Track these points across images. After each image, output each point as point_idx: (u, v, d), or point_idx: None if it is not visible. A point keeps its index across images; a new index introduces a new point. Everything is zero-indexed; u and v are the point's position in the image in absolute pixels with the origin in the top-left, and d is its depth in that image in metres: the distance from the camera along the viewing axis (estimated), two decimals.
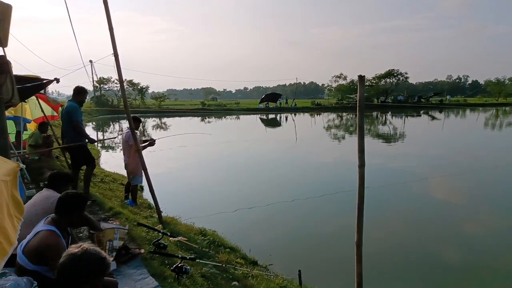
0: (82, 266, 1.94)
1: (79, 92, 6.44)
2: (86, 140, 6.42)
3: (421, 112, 51.48)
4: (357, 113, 2.77)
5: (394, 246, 6.96)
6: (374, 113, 49.33)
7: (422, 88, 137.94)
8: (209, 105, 65.64)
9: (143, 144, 6.85)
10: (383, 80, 70.07)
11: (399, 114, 48.67)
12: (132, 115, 6.93)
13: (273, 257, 5.93)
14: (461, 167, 14.03)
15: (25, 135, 9.82)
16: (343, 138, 24.58)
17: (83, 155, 6.45)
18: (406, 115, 46.80)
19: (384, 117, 45.09)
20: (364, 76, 2.69)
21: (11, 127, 9.34)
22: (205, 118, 45.55)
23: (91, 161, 6.59)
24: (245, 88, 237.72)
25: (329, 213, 8.72)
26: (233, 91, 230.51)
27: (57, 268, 1.93)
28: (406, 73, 69.93)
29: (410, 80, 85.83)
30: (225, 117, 48.29)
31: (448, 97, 77.79)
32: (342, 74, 71.01)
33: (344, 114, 50.04)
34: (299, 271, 4.99)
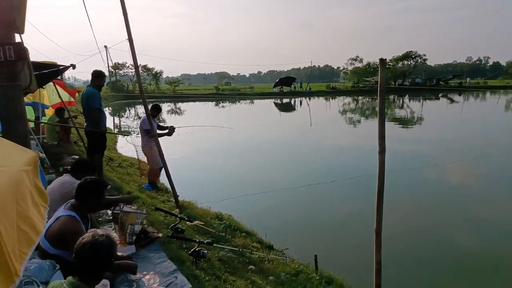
0: (104, 253, 1.98)
1: (97, 76, 6.36)
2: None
3: (440, 95, 50.28)
4: (378, 98, 2.69)
5: (411, 231, 6.89)
6: (391, 96, 48.38)
7: (441, 70, 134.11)
8: (223, 89, 65.47)
9: (161, 132, 6.83)
10: (401, 63, 68.38)
11: (416, 97, 47.68)
12: (153, 103, 6.99)
13: (288, 242, 5.95)
14: (480, 152, 13.71)
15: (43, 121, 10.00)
16: (359, 122, 24.27)
17: (99, 142, 6.50)
18: (424, 98, 45.80)
19: (401, 101, 44.27)
20: (385, 59, 2.59)
21: (29, 113, 9.51)
22: (219, 103, 45.52)
23: (103, 149, 6.64)
24: (259, 72, 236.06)
25: (345, 198, 8.68)
26: (247, 75, 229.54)
27: (77, 254, 1.97)
28: (424, 55, 68.07)
29: (429, 62, 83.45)
30: (239, 102, 48.17)
31: (467, 79, 75.54)
32: (358, 57, 69.78)
33: (360, 97, 49.28)
34: (315, 256, 5.00)
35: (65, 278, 2.81)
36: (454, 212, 7.81)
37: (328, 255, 5.61)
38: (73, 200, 3.19)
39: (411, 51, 67.11)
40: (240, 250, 4.82)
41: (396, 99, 46.57)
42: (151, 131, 6.00)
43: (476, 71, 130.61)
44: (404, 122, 23.17)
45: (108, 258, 2.03)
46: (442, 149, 14.22)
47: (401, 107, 36.31)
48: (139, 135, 7.59)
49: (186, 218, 4.83)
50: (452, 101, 42.82)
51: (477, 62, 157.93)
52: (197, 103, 46.85)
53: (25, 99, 5.74)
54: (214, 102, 46.28)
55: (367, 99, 46.64)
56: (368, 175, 9.20)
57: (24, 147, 1.65)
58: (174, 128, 6.89)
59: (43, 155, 7.17)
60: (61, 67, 7.01)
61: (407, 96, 50.69)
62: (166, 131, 6.84)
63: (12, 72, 3.58)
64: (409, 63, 68.58)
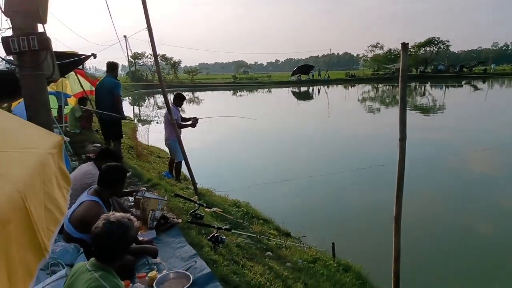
0: (117, 240, 2.00)
1: (115, 67, 6.57)
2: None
3: (463, 82, 48.79)
4: (399, 84, 2.64)
5: (430, 220, 6.80)
6: (413, 84, 47.20)
7: (464, 57, 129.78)
8: (241, 78, 65.34)
9: (184, 123, 6.83)
10: (423, 49, 66.46)
11: (439, 85, 46.39)
12: (172, 92, 7.07)
13: (306, 230, 5.98)
14: (504, 140, 13.28)
15: (66, 110, 10.24)
16: (378, 110, 23.86)
17: (117, 129, 6.69)
18: (446, 86, 44.53)
19: (423, 88, 43.20)
20: (407, 43, 2.53)
21: (53, 102, 9.72)
22: (237, 92, 45.51)
23: (120, 137, 6.89)
24: (277, 61, 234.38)
25: (363, 187, 8.61)
26: (265, 64, 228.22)
27: (92, 240, 2.01)
28: (447, 41, 65.84)
29: (452, 49, 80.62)
30: (256, 91, 48.02)
31: (492, 65, 72.69)
32: (378, 44, 68.19)
33: (380, 85, 48.32)
34: (333, 243, 5.01)
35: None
36: (476, 202, 7.65)
37: (345, 243, 5.61)
38: (96, 185, 3.29)
39: (434, 37, 65.07)
40: (258, 236, 4.87)
41: (417, 86, 45.47)
42: (170, 119, 6.06)
43: (502, 57, 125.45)
44: (426, 110, 22.65)
45: (122, 244, 2.03)
46: (464, 138, 13.87)
47: (423, 95, 35.45)
48: (157, 124, 7.72)
49: (204, 205, 4.90)
50: (475, 88, 41.48)
51: (504, 48, 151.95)
52: (214, 92, 46.97)
53: (49, 88, 5.89)
54: (232, 91, 46.29)
55: (388, 86, 45.72)
56: (387, 164, 9.09)
57: (49, 131, 1.71)
58: (197, 119, 6.86)
59: (67, 139, 7.34)
60: (82, 57, 7.14)
61: (429, 83, 49.41)
62: (190, 122, 6.81)
63: (35, 61, 3.66)
64: (432, 49, 66.58)
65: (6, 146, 1.11)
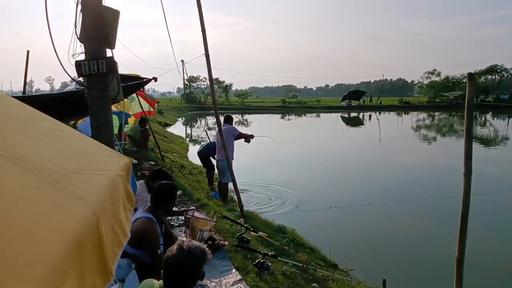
0: (187, 269, 1.98)
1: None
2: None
3: None
4: (465, 115, 2.50)
5: (493, 262, 6.22)
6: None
7: None
8: (290, 102, 65.66)
9: (245, 133, 7.47)
10: (483, 77, 62.86)
11: (501, 115, 43.34)
12: (225, 114, 7.70)
13: (355, 262, 5.71)
14: None
15: (126, 128, 10.86)
16: (434, 139, 22.68)
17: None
18: (510, 116, 41.49)
19: (483, 118, 40.57)
20: (474, 74, 2.41)
21: (114, 121, 10.35)
22: (285, 116, 45.67)
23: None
24: (326, 86, 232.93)
25: (419, 220, 8.10)
26: (314, 89, 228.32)
27: (163, 268, 2.01)
28: (511, 69, 61.90)
29: None
30: (305, 115, 47.88)
31: None
32: (435, 70, 65.49)
33: (437, 113, 46.14)
34: (384, 280, 4.72)
35: (139, 277, 3.01)
36: None
37: (398, 280, 5.27)
38: (150, 203, 3.40)
39: (496, 65, 61.46)
40: (304, 266, 4.73)
41: (478, 116, 42.79)
42: (222, 141, 6.22)
43: None
44: (486, 142, 21.17)
45: (189, 275, 2.00)
46: None
47: (483, 125, 33.27)
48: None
49: (251, 228, 4.89)
50: None
51: None
52: (263, 115, 47.49)
53: (113, 108, 6.29)
54: (280, 115, 46.54)
55: (444, 115, 43.56)
56: (447, 197, 8.54)
57: (119, 153, 1.81)
58: (253, 136, 7.56)
59: (135, 161, 7.75)
60: (144, 80, 7.57)
61: (490, 113, 46.33)
62: (249, 134, 7.53)
63: (103, 83, 3.94)
64: (494, 77, 62.80)
65: (84, 168, 1.18)
